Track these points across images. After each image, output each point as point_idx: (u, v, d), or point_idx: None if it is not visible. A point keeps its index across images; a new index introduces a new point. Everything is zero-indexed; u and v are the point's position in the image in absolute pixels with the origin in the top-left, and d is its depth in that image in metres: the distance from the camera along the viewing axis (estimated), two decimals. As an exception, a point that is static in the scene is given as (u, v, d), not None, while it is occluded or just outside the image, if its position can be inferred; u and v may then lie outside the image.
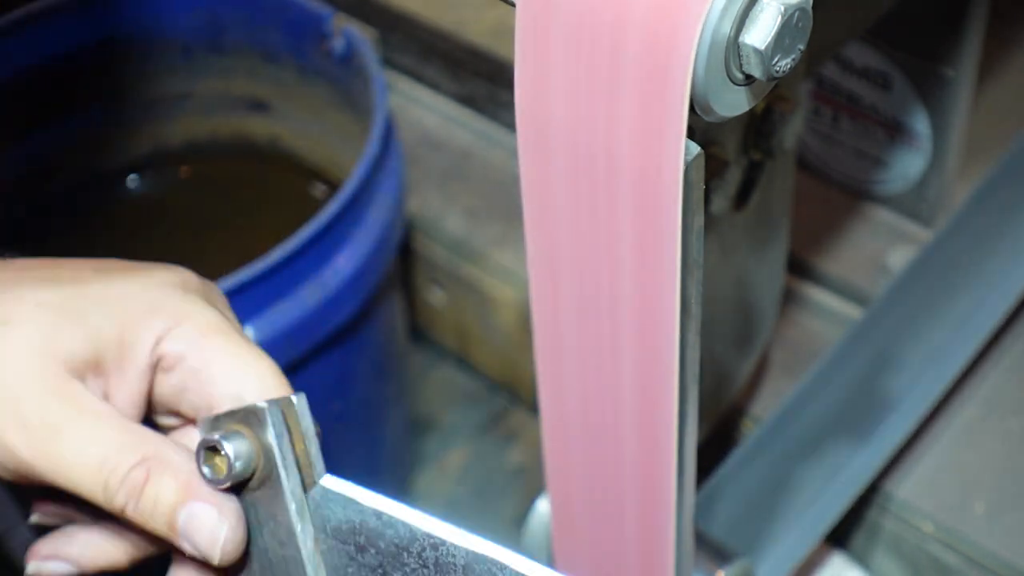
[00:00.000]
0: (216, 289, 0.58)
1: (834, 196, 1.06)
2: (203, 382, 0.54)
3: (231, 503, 0.52)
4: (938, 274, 0.97)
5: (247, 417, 0.52)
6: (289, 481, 0.52)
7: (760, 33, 0.48)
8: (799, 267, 1.04)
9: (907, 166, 1.01)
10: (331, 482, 0.52)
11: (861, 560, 0.95)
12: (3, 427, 0.51)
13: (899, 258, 1.03)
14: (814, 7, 0.50)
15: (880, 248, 1.05)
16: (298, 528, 0.52)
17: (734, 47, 0.49)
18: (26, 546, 0.65)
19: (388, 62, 1.24)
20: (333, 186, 1.10)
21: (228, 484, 0.52)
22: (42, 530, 0.70)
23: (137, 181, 1.14)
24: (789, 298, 1.02)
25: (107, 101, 1.10)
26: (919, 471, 0.93)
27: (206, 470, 0.52)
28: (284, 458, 0.52)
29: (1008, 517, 0.90)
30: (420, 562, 0.51)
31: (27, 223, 1.08)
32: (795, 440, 0.89)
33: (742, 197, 0.72)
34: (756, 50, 0.48)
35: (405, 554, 0.51)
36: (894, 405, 0.90)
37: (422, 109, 1.24)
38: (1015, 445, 0.94)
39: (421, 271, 1.17)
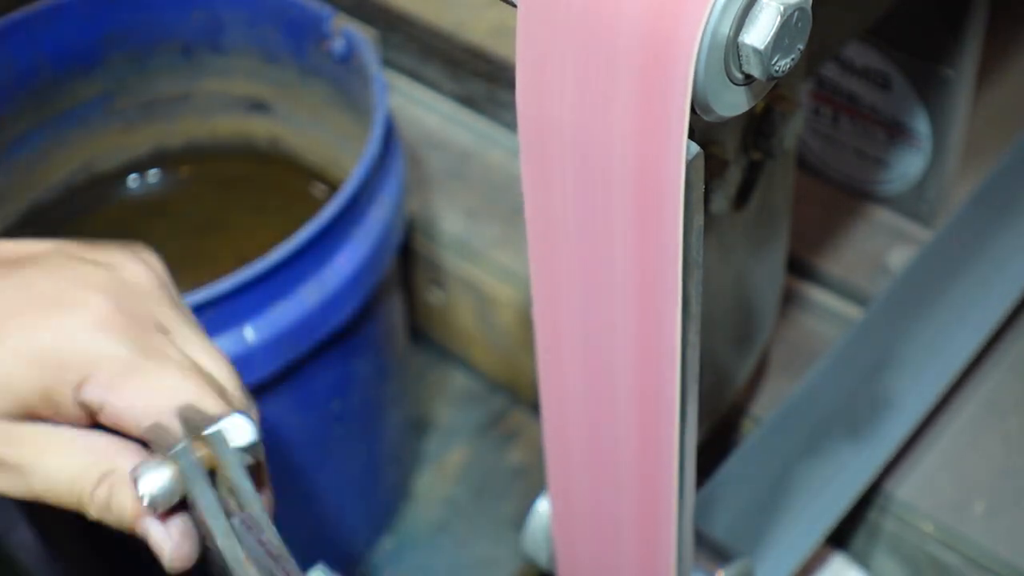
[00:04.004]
0: (151, 279, 0.60)
1: (834, 196, 1.06)
2: (128, 423, 0.55)
3: (178, 520, 0.55)
4: (938, 274, 0.97)
5: (164, 445, 0.54)
6: (208, 509, 0.53)
7: (760, 33, 0.48)
8: (799, 267, 1.04)
9: (907, 166, 1.01)
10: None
11: (861, 560, 0.95)
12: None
13: (899, 258, 1.03)
14: (814, 7, 0.50)
15: (880, 248, 1.05)
16: (227, 553, 0.53)
17: (734, 47, 0.49)
18: (26, 546, 0.65)
19: (388, 62, 1.24)
20: (333, 186, 1.10)
21: (156, 512, 0.54)
22: (42, 531, 0.69)
23: (137, 181, 1.14)
24: (789, 298, 1.02)
25: (107, 101, 1.10)
26: (919, 471, 0.93)
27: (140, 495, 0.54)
28: (198, 486, 0.53)
29: (1008, 517, 0.90)
30: None
31: (27, 223, 1.08)
32: (795, 440, 0.89)
33: (742, 197, 0.72)
34: (756, 50, 0.48)
35: None
36: (894, 405, 0.90)
37: (422, 109, 1.24)
38: (1015, 445, 0.94)
39: (421, 271, 1.17)
